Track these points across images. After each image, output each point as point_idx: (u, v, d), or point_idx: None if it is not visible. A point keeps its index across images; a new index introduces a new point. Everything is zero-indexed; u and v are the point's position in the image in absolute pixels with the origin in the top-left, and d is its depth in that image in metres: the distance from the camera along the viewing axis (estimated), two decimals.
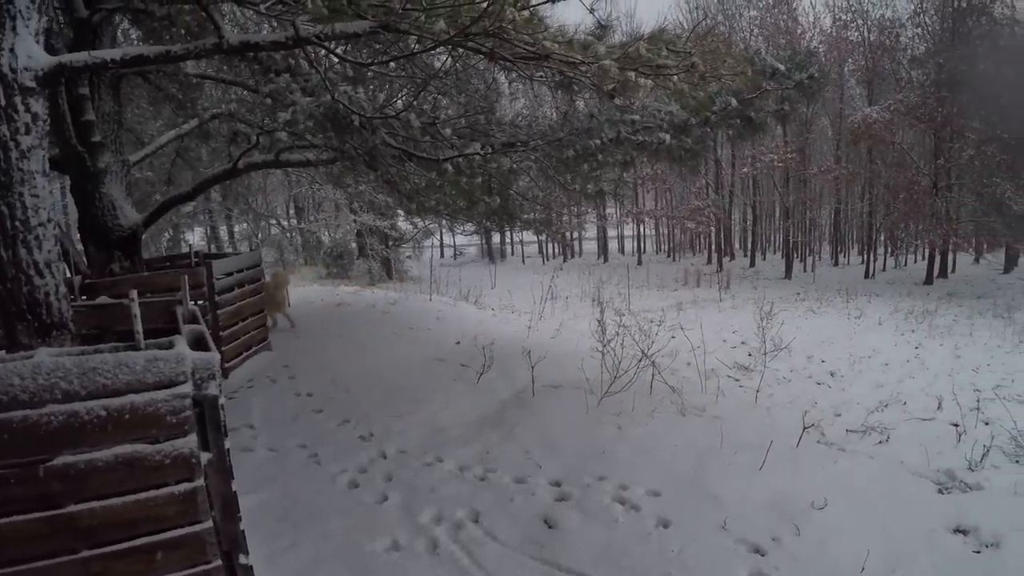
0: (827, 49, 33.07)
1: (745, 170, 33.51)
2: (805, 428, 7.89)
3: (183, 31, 7.91)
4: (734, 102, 7.69)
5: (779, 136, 32.02)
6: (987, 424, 9.17)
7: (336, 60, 7.57)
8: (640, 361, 9.24)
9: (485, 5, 4.54)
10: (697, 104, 7.39)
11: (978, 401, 10.20)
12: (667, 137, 8.08)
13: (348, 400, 8.82)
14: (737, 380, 11.07)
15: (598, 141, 8.34)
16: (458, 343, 12.11)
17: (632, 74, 5.32)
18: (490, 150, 8.02)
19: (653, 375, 9.41)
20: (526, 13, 4.99)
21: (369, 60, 6.92)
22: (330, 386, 9.35)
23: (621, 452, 7.12)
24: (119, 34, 9.84)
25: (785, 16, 33.62)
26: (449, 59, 7.88)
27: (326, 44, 5.19)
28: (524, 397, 8.87)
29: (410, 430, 7.78)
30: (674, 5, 37.40)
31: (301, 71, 7.82)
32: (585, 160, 8.85)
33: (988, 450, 7.84)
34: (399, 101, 7.75)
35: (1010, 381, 11.98)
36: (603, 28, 5.92)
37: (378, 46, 7.41)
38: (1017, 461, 7.51)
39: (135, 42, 10.79)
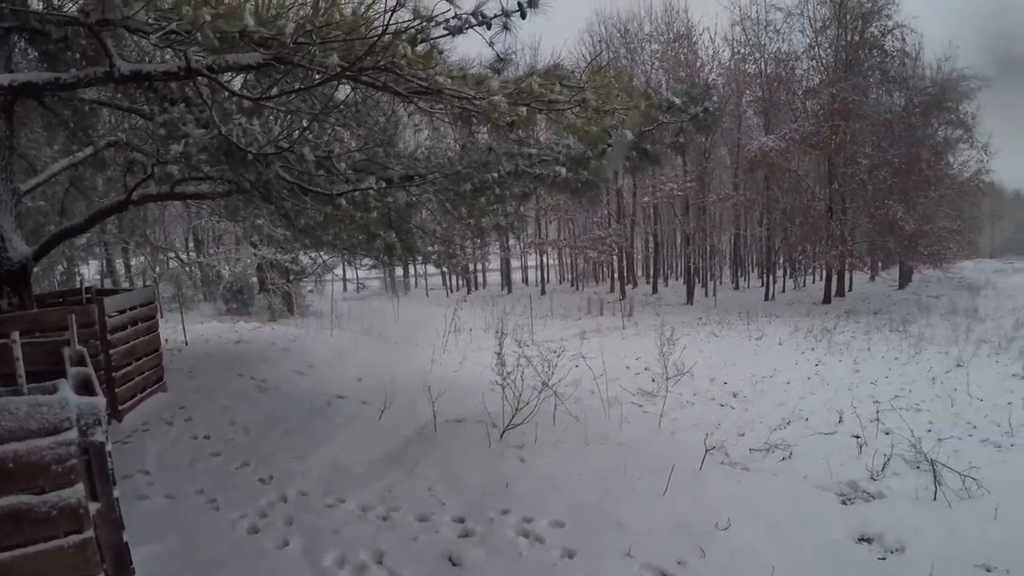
0: (726, 81, 34.00)
1: (646, 199, 34.01)
2: (707, 450, 7.96)
3: (79, 55, 7.64)
4: (630, 135, 7.72)
5: (679, 166, 32.58)
6: (887, 434, 9.56)
7: (232, 90, 7.42)
8: (541, 392, 9.17)
9: (374, 40, 4.49)
10: (591, 138, 7.44)
11: (878, 412, 10.63)
12: (563, 170, 8.08)
13: (247, 442, 8.55)
14: (641, 406, 11.23)
15: (495, 174, 8.30)
16: (360, 379, 11.92)
17: (524, 109, 5.31)
18: (384, 184, 7.91)
19: (556, 405, 9.37)
20: (421, 48, 4.97)
21: (260, 93, 6.78)
22: (228, 428, 9.07)
23: (525, 484, 7.04)
24: (16, 53, 9.46)
25: (686, 50, 34.31)
26: (349, 91, 7.77)
27: (215, 76, 5.06)
28: (427, 433, 8.74)
29: (311, 471, 7.56)
30: (578, 39, 37.60)
31: (196, 101, 7.64)
32: (483, 193, 8.80)
33: (889, 459, 8.10)
34: (296, 133, 7.61)
35: (908, 391, 12.52)
36: (502, 61, 5.92)
37: (277, 76, 7.29)
38: (918, 467, 7.75)
39: (32, 63, 10.41)
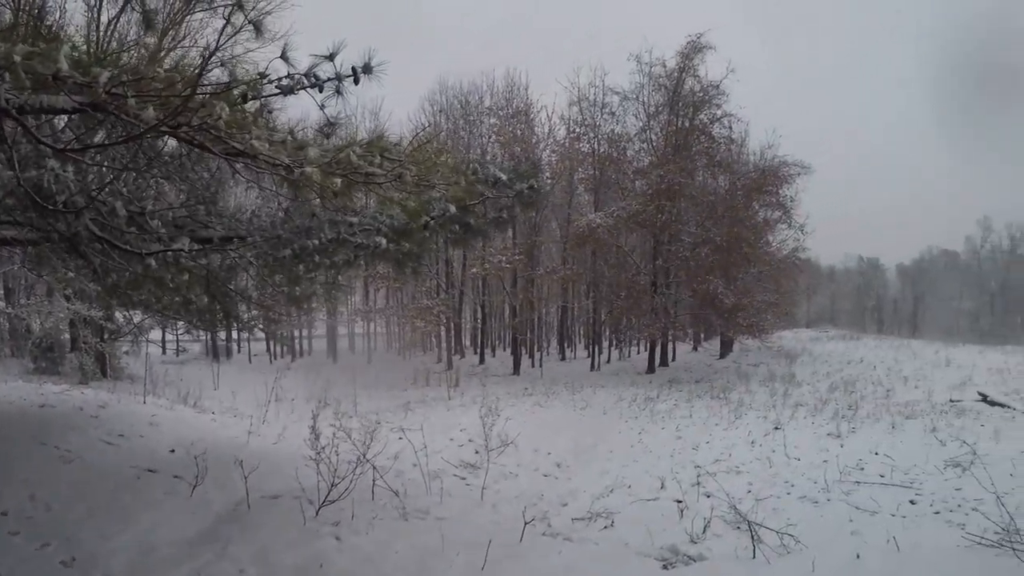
0: (559, 159, 34.61)
1: (474, 270, 34.09)
2: (527, 522, 8.00)
3: None
4: (453, 209, 7.68)
5: (509, 238, 32.91)
6: (708, 496, 9.77)
7: (35, 135, 6.98)
8: (357, 467, 8.88)
9: (185, 96, 4.31)
10: (410, 211, 7.38)
11: (699, 477, 10.82)
12: (383, 241, 7.95)
13: (49, 519, 7.82)
14: (464, 479, 11.08)
15: (317, 241, 8.10)
16: (173, 451, 11.20)
17: (339, 180, 5.21)
18: (196, 246, 7.57)
19: (374, 480, 9.16)
20: (251, 105, 4.84)
21: (82, 139, 6.44)
22: (28, 503, 8.31)
23: (340, 564, 6.88)
24: None
25: (523, 126, 34.84)
26: (175, 144, 7.47)
27: (21, 118, 4.73)
28: (240, 510, 8.29)
29: (118, 552, 7.00)
30: (419, 107, 37.74)
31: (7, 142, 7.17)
32: (302, 260, 8.57)
33: (709, 521, 8.27)
34: (107, 183, 7.20)
35: (728, 455, 12.87)
36: (332, 126, 5.83)
37: (97, 123, 6.92)
38: (738, 527, 7.91)
39: None
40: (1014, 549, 6.58)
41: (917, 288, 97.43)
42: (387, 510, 8.55)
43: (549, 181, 33.27)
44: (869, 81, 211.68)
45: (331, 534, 7.60)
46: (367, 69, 5.07)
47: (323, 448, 8.73)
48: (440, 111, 37.86)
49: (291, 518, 7.95)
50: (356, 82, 5.09)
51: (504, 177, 8.07)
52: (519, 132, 34.11)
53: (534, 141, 34.83)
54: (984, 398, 18.28)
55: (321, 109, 5.52)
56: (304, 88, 5.03)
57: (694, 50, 29.78)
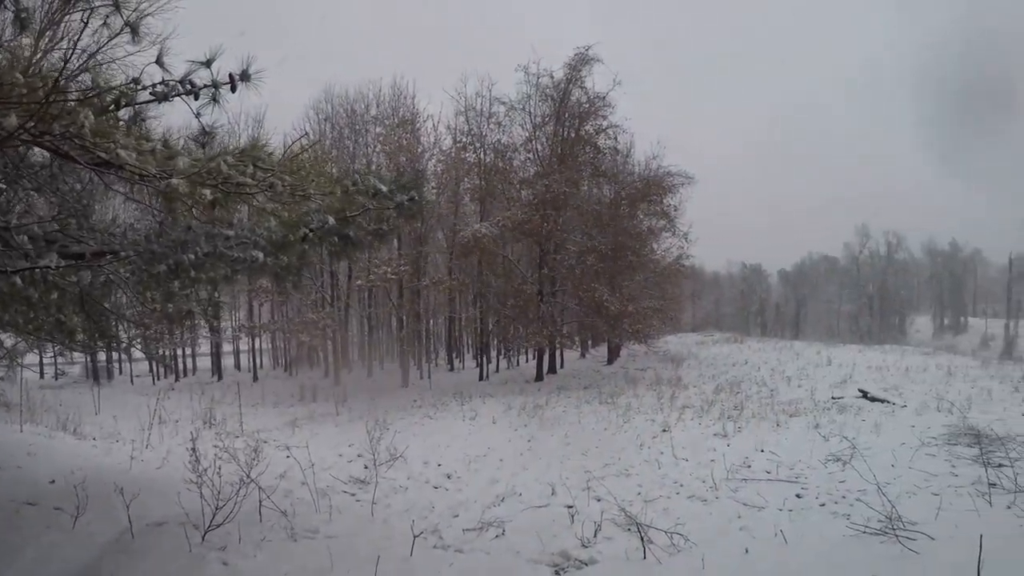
0: (445, 168, 34.20)
1: (360, 282, 33.57)
2: (416, 536, 7.89)
3: None
4: (331, 221, 7.45)
5: (395, 249, 32.59)
6: (599, 500, 9.85)
7: None
8: (241, 487, 8.52)
9: (43, 103, 4.01)
10: (285, 223, 7.14)
11: (588, 481, 10.84)
12: (261, 255, 7.65)
13: None
14: (354, 495, 10.87)
15: (192, 256, 7.74)
16: (53, 482, 10.59)
17: (208, 191, 4.94)
18: (64, 263, 7.14)
19: (261, 500, 8.86)
20: (124, 112, 4.56)
21: None
22: None
23: None
24: None
25: (409, 135, 34.47)
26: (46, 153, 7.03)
27: None
28: (124, 540, 7.85)
29: None
30: (304, 116, 36.85)
31: None
32: (177, 276, 8.17)
33: (600, 525, 8.30)
34: None
35: (617, 459, 12.94)
36: (207, 134, 5.58)
37: None
38: (629, 529, 7.94)
39: None
40: (897, 536, 6.74)
41: (799, 292, 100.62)
42: (275, 531, 8.27)
43: (435, 191, 33.05)
44: (754, 94, 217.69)
45: (218, 559, 7.31)
46: (245, 76, 4.85)
47: (205, 470, 8.36)
48: (325, 119, 37.12)
49: (177, 545, 7.59)
50: (233, 89, 4.89)
51: (385, 188, 7.83)
52: (404, 142, 33.75)
53: (420, 151, 34.47)
54: (864, 394, 18.74)
55: (197, 117, 5.27)
56: (179, 95, 4.79)
57: (581, 62, 29.82)
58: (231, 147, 5.52)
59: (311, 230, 7.57)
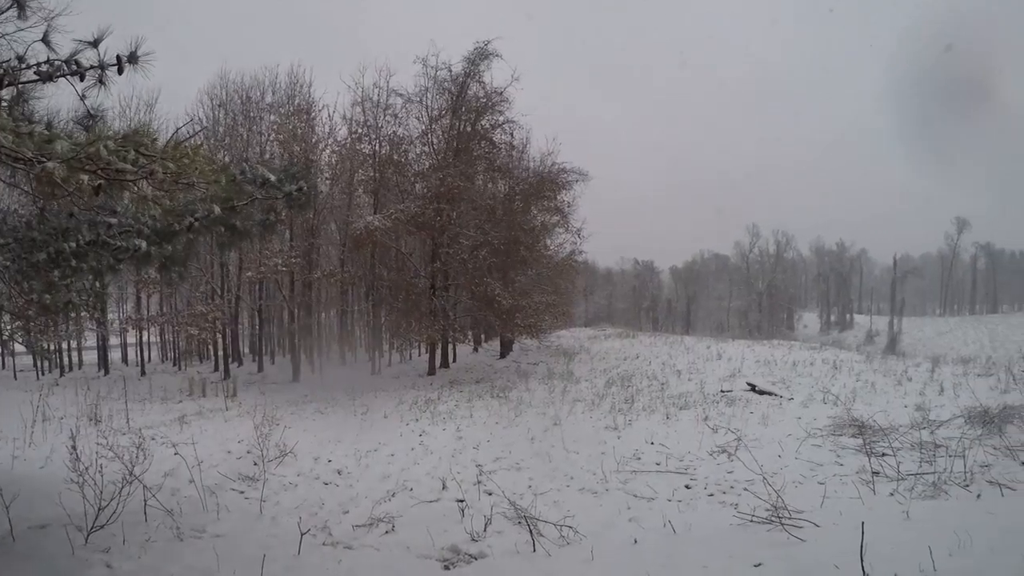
0: (339, 159, 33.78)
1: (250, 274, 32.79)
2: (304, 533, 7.71)
3: None
4: (217, 210, 7.16)
5: (287, 241, 31.99)
6: (490, 495, 9.85)
7: None
8: (124, 486, 8.11)
9: None
10: (167, 211, 6.86)
11: (479, 475, 10.84)
12: (143, 244, 7.31)
13: None
14: (242, 492, 10.55)
15: (74, 244, 7.36)
16: None
17: (86, 177, 4.65)
18: None
19: (146, 500, 8.52)
20: (6, 92, 4.27)
21: None
22: None
23: None
24: None
25: (304, 124, 33.77)
26: None
27: None
28: (6, 543, 7.39)
29: None
30: (197, 100, 35.59)
31: None
32: (58, 265, 7.77)
33: (490, 519, 8.29)
34: None
35: (508, 452, 12.98)
36: (92, 118, 5.28)
37: None
38: (519, 523, 7.92)
39: None
40: (782, 524, 6.85)
41: (690, 289, 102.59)
42: (161, 531, 7.98)
43: (328, 182, 32.55)
44: (652, 98, 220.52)
45: (102, 562, 7.01)
46: (133, 58, 4.61)
47: (86, 469, 7.98)
48: (219, 105, 35.92)
49: (60, 548, 7.24)
50: (120, 71, 4.64)
51: (273, 178, 7.59)
52: (299, 131, 33.09)
53: (314, 141, 33.83)
54: (752, 387, 19.12)
55: (82, 99, 4.98)
56: (65, 75, 4.51)
57: (480, 56, 29.72)
58: (113, 132, 5.26)
59: (196, 219, 7.27)
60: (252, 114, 35.05)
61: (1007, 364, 19.24)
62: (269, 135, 34.29)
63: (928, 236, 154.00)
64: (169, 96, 38.51)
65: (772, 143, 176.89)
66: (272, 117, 34.66)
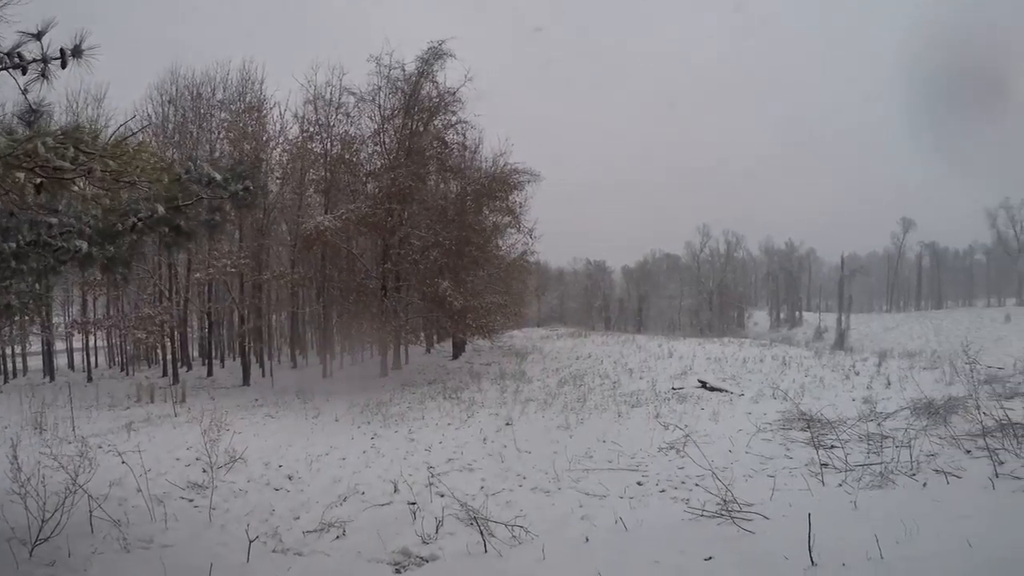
0: (291, 158, 33.51)
1: (198, 275, 32.32)
2: (252, 540, 7.63)
3: None
4: (161, 210, 7.02)
5: (236, 241, 31.64)
6: (442, 496, 9.85)
7: None
8: (67, 497, 7.88)
9: None
10: (109, 211, 6.72)
11: (431, 477, 10.83)
12: (84, 245, 7.15)
13: None
14: (191, 500, 10.41)
15: (14, 244, 7.18)
16: None
17: (22, 175, 4.54)
18: None
19: (91, 510, 8.29)
20: None
21: None
22: None
23: None
24: None
25: (255, 122, 33.35)
26: None
27: None
28: None
29: None
30: (147, 96, 34.84)
31: None
32: None
33: (442, 521, 8.34)
34: None
35: (460, 453, 13.03)
36: (34, 113, 5.14)
37: None
38: (471, 524, 7.84)
39: None
40: (732, 518, 6.90)
41: (641, 288, 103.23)
42: (108, 542, 7.80)
43: (279, 181, 32.28)
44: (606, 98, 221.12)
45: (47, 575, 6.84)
46: (77, 52, 4.49)
47: (27, 480, 7.78)
48: (169, 101, 35.29)
49: (3, 563, 7.04)
50: (64, 65, 4.52)
51: (219, 177, 7.45)
52: (250, 129, 32.69)
53: (265, 139, 33.46)
54: (704, 384, 19.27)
55: (23, 94, 4.85)
56: (6, 68, 4.39)
57: (434, 56, 29.64)
58: (53, 128, 5.14)
59: (140, 219, 7.13)
60: (203, 111, 34.66)
61: (951, 357, 19.57)
62: (219, 133, 33.90)
63: (875, 236, 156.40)
64: (120, 91, 37.57)
65: (723, 144, 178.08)
66: (223, 114, 34.29)
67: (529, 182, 32.62)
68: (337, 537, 8.49)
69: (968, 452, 9.52)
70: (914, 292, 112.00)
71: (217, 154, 31.39)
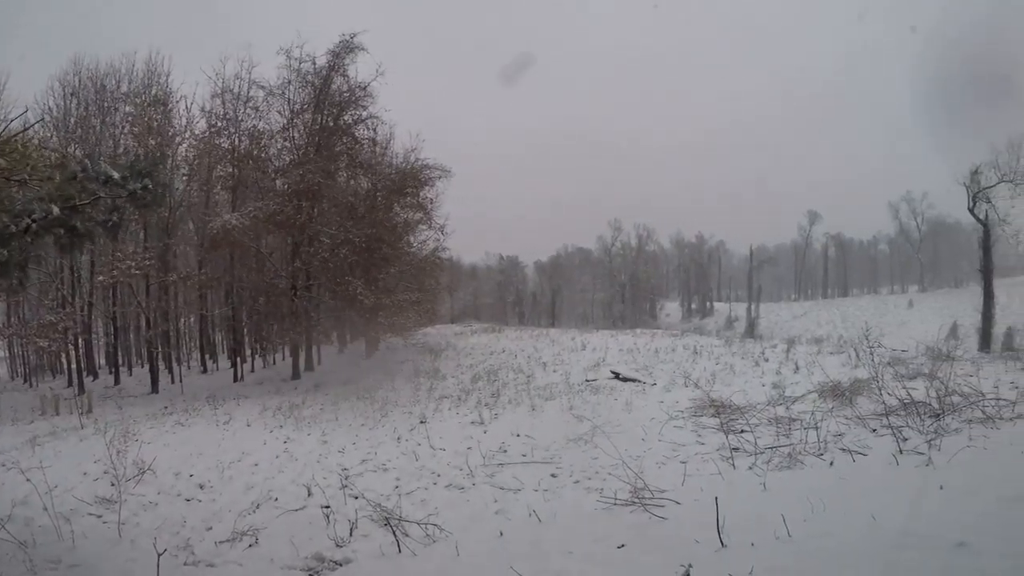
0: (197, 155, 32.79)
1: (102, 278, 31.30)
2: (161, 553, 7.33)
3: None
4: (56, 210, 6.76)
5: (141, 242, 30.86)
6: (356, 498, 9.70)
7: None
8: None
9: None
10: (8, 211, 6.46)
11: (345, 479, 10.82)
12: None
13: None
14: (100, 516, 9.98)
15: None
16: None
17: None
18: None
19: None
20: None
21: None
22: None
23: None
24: None
25: (160, 117, 32.44)
26: None
27: None
28: None
29: None
30: (48, 87, 33.40)
31: None
32: None
33: (356, 523, 8.37)
34: None
35: (374, 454, 12.95)
36: None
37: None
38: (385, 525, 7.85)
39: None
40: (644, 505, 6.99)
41: (554, 282, 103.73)
42: (13, 565, 7.48)
43: (185, 178, 31.61)
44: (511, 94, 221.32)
45: None
46: None
47: None
48: (72, 94, 33.84)
49: None
50: None
51: (117, 175, 7.21)
52: (155, 123, 31.80)
53: (171, 134, 32.61)
54: (616, 375, 19.48)
55: None
56: None
57: (346, 49, 29.42)
58: None
59: (34, 220, 6.87)
60: (107, 104, 33.35)
61: (857, 342, 20.13)
62: (124, 127, 32.83)
63: (783, 228, 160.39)
64: (22, 82, 35.62)
65: (634, 138, 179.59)
66: (128, 108, 33.12)
67: (440, 177, 32.68)
68: (250, 545, 8.32)
69: (874, 431, 9.95)
70: (821, 281, 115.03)
71: (121, 150, 30.57)
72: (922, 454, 7.91)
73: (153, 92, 33.33)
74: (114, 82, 33.75)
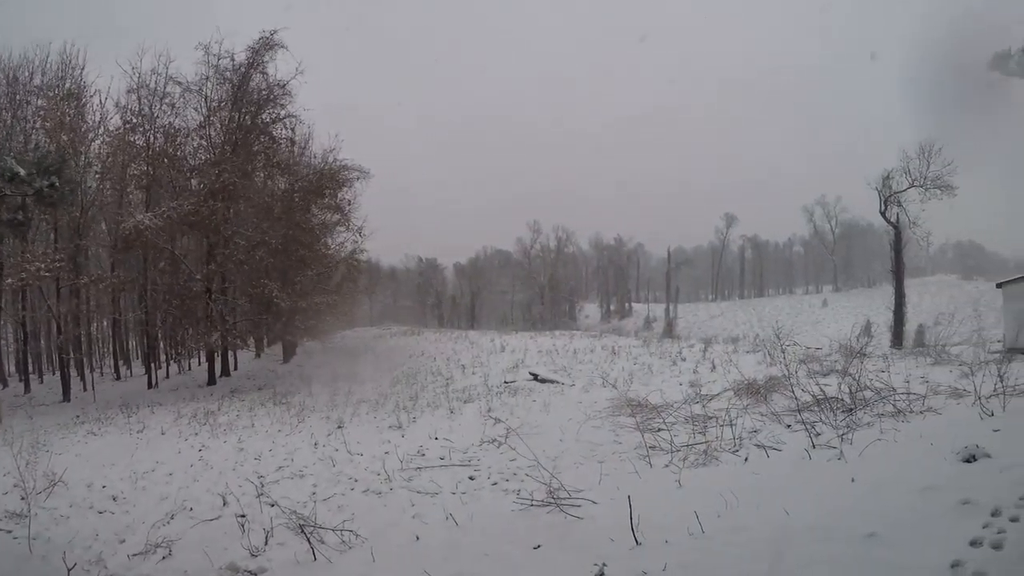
0: (111, 152, 31.86)
1: (10, 280, 30.09)
2: (70, 569, 7.35)
3: None
4: None
5: (51, 242, 29.93)
6: (272, 506, 9.59)
7: None
8: None
9: None
10: None
11: (261, 487, 10.73)
12: None
13: None
14: (10, 531, 9.69)
15: None
16: None
17: None
18: None
19: None
20: None
21: None
22: None
23: None
24: None
25: (72, 112, 31.43)
26: None
27: None
28: None
29: None
30: None
31: None
32: None
33: (271, 531, 8.35)
34: None
35: (291, 460, 12.86)
36: None
37: None
38: (301, 531, 7.76)
39: None
40: (560, 505, 7.08)
41: (474, 284, 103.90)
42: None
43: (97, 176, 30.80)
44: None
45: None
46: None
47: None
48: None
49: None
50: None
51: (22, 172, 7.00)
52: (68, 118, 30.82)
53: (84, 129, 31.62)
54: (535, 377, 19.62)
55: None
56: None
57: (266, 47, 29.10)
58: None
59: None
60: (18, 97, 32.18)
61: (772, 342, 20.57)
62: (35, 121, 31.72)
63: (700, 231, 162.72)
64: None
65: (555, 142, 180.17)
66: (40, 101, 32.02)
67: (359, 179, 32.59)
68: (164, 558, 8.14)
69: (788, 427, 10.28)
70: (738, 282, 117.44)
71: (32, 145, 29.53)
72: (834, 448, 8.15)
73: (67, 86, 32.29)
74: (27, 74, 32.53)
